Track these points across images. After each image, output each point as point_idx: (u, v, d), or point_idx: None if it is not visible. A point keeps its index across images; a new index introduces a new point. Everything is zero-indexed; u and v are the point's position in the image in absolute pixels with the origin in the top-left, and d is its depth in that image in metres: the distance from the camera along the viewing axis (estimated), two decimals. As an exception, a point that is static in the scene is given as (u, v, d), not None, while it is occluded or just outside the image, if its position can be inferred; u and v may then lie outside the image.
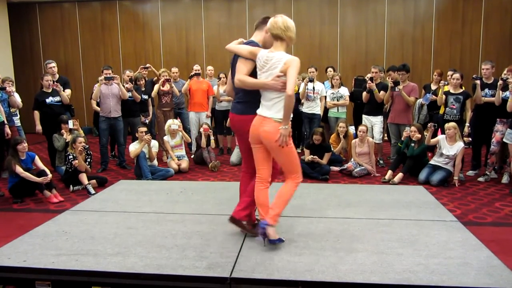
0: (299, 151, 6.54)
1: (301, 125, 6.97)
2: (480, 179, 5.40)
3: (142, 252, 2.75)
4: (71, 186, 5.12)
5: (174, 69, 7.23)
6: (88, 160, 5.34)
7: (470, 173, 5.72)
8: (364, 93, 6.23)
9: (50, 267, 2.57)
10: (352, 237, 2.99)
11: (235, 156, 6.54)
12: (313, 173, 5.53)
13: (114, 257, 2.68)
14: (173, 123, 6.25)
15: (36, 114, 5.97)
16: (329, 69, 7.27)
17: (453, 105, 5.52)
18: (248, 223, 3.03)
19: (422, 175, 5.25)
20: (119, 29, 10.27)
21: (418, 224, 3.26)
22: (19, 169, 4.61)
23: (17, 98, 5.97)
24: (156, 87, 6.68)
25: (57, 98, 5.98)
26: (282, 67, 2.61)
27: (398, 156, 5.69)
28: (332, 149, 6.03)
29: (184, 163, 6.11)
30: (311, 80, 6.49)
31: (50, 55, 9.79)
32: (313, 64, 7.10)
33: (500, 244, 3.27)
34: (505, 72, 5.28)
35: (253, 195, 2.91)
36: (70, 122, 5.78)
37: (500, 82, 5.06)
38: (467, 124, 5.74)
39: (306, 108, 6.72)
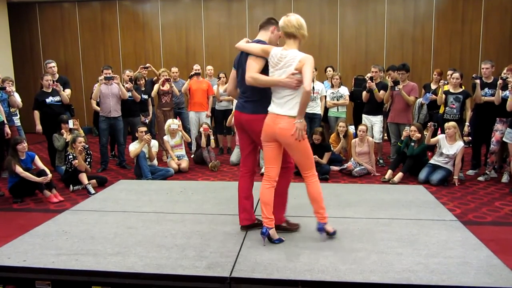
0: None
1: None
2: (480, 178, 5.40)
3: (142, 252, 2.76)
4: (71, 186, 5.13)
5: (174, 69, 7.23)
6: (88, 160, 5.34)
7: (470, 172, 5.72)
8: (364, 93, 6.23)
9: (50, 266, 2.57)
10: (352, 236, 2.99)
11: (235, 155, 6.54)
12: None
13: (114, 256, 2.68)
14: (173, 123, 6.25)
15: (36, 114, 5.98)
16: (329, 68, 7.27)
17: (453, 104, 5.52)
18: (286, 223, 3.07)
19: (422, 175, 5.25)
20: (119, 29, 10.27)
21: (418, 223, 3.26)
22: (19, 169, 4.61)
23: (17, 98, 5.98)
24: (156, 87, 6.68)
25: (57, 98, 5.98)
26: (297, 64, 2.66)
27: (398, 155, 5.69)
28: (332, 148, 6.03)
29: (184, 163, 6.11)
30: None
31: (50, 55, 9.79)
32: (313, 64, 7.09)
33: (499, 244, 3.27)
34: (504, 71, 5.28)
35: (282, 197, 2.97)
36: (70, 122, 5.78)
37: (500, 81, 5.06)
38: (467, 123, 5.74)
39: (307, 108, 6.71)
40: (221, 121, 7.21)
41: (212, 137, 6.50)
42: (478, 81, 5.37)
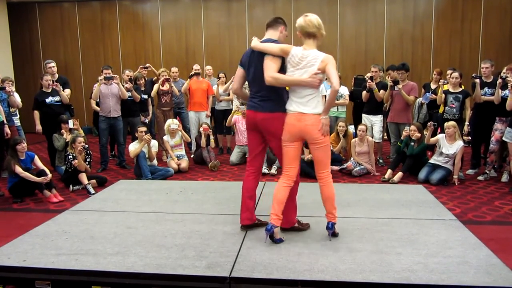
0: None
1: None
2: (480, 178, 5.40)
3: (142, 251, 2.76)
4: (71, 186, 5.13)
5: (174, 69, 7.23)
6: (88, 160, 5.34)
7: (470, 172, 5.72)
8: (364, 92, 6.23)
9: (50, 266, 2.57)
10: (352, 236, 3.00)
11: (234, 155, 6.54)
12: (313, 172, 5.52)
13: (114, 256, 2.68)
14: (173, 123, 6.25)
15: (36, 114, 5.98)
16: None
17: (453, 104, 5.52)
18: (298, 223, 3.10)
19: (422, 174, 5.25)
20: (118, 29, 10.27)
21: (418, 223, 3.26)
22: (18, 169, 4.61)
23: (16, 98, 5.98)
24: (155, 86, 6.68)
25: (57, 98, 5.99)
26: (320, 64, 2.72)
27: (397, 155, 5.69)
28: (331, 148, 6.03)
29: (184, 163, 6.11)
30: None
31: (50, 55, 9.79)
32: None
33: (499, 243, 3.27)
34: (504, 70, 5.28)
35: (291, 202, 2.97)
36: (70, 122, 5.78)
37: (499, 80, 5.06)
38: (466, 123, 5.74)
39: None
40: (221, 121, 7.21)
41: (212, 137, 6.50)
42: (477, 80, 5.37)
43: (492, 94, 5.28)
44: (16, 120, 6.15)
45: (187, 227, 3.22)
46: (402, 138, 5.71)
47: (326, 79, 2.85)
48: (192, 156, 6.80)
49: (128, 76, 6.60)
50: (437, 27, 9.28)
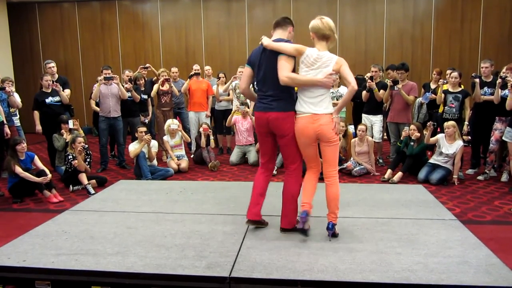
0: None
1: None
2: (480, 177, 5.40)
3: (142, 251, 2.76)
4: (70, 186, 5.13)
5: (174, 69, 7.23)
6: (88, 160, 5.34)
7: (470, 171, 5.72)
8: (364, 92, 6.23)
9: (50, 266, 2.57)
10: (351, 236, 3.00)
11: (234, 156, 6.54)
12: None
13: (114, 256, 2.68)
14: (173, 123, 6.25)
15: (36, 114, 5.98)
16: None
17: (452, 103, 5.52)
18: (298, 223, 3.08)
19: (422, 174, 5.26)
20: (118, 29, 10.27)
21: (417, 223, 3.26)
22: (18, 169, 4.61)
23: (16, 98, 5.98)
24: (155, 87, 6.68)
25: (57, 98, 5.99)
26: (335, 66, 2.82)
27: (397, 155, 5.69)
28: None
29: (184, 163, 6.11)
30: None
31: (50, 55, 9.80)
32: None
33: (499, 242, 3.27)
34: (504, 70, 5.27)
35: (294, 203, 3.02)
36: (70, 122, 5.78)
37: (499, 80, 5.06)
38: (466, 122, 5.74)
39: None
40: (220, 121, 7.21)
41: (211, 137, 6.50)
42: (477, 80, 5.37)
43: (492, 94, 5.28)
44: (16, 120, 6.15)
45: (187, 227, 3.22)
46: (401, 138, 5.71)
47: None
48: (192, 156, 6.80)
49: (128, 76, 6.60)
50: (437, 27, 9.28)
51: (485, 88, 5.42)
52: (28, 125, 6.79)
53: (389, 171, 5.43)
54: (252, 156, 6.43)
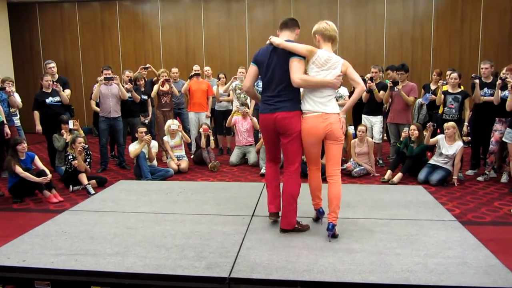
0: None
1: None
2: (479, 178, 5.40)
3: (141, 252, 2.76)
4: (70, 186, 5.13)
5: (174, 70, 7.24)
6: (88, 160, 5.35)
7: (469, 172, 5.72)
8: (364, 93, 6.23)
9: (50, 267, 2.57)
10: (351, 237, 2.99)
11: (234, 156, 6.54)
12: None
13: (114, 257, 2.68)
14: (173, 124, 6.25)
15: (36, 114, 5.98)
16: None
17: (452, 104, 5.52)
18: (298, 224, 3.12)
19: (422, 175, 5.26)
20: (118, 29, 10.28)
21: (417, 223, 3.26)
22: (18, 169, 4.61)
23: (17, 98, 5.98)
24: (155, 87, 6.69)
25: (57, 98, 5.99)
26: (342, 68, 2.94)
27: (397, 156, 5.69)
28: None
29: (184, 163, 6.11)
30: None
31: (50, 55, 9.80)
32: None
33: (499, 243, 3.28)
34: (504, 71, 5.28)
35: (293, 203, 3.05)
36: (71, 122, 5.79)
37: (499, 81, 5.06)
38: (465, 123, 5.74)
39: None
40: (220, 121, 7.21)
41: (211, 138, 6.50)
42: (477, 81, 5.37)
43: (492, 95, 5.29)
44: (16, 120, 6.15)
45: (186, 227, 3.22)
46: (401, 139, 5.71)
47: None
48: (192, 156, 6.80)
49: (128, 76, 6.61)
50: (437, 28, 9.29)
51: (485, 89, 5.42)
52: (28, 125, 6.80)
53: (389, 172, 5.44)
54: (252, 157, 6.43)
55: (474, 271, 2.44)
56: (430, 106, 6.29)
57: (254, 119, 6.35)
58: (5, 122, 5.52)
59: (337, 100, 6.64)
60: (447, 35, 9.28)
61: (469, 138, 5.81)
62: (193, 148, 7.00)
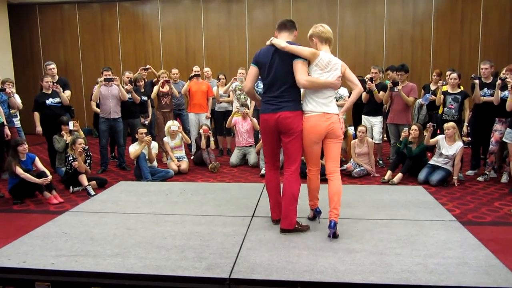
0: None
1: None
2: (480, 178, 5.40)
3: (142, 253, 2.76)
4: (71, 187, 5.13)
5: (174, 70, 7.24)
6: (88, 161, 5.35)
7: (470, 172, 5.72)
8: (364, 94, 6.23)
9: (50, 268, 2.57)
10: (351, 237, 2.99)
11: (234, 157, 6.54)
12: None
13: (114, 258, 2.69)
14: (173, 124, 6.26)
15: (36, 115, 5.99)
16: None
17: (452, 105, 5.53)
18: (298, 224, 3.13)
19: (422, 175, 5.26)
20: (119, 30, 10.29)
21: (417, 224, 3.26)
22: (19, 170, 4.62)
23: (17, 99, 5.99)
24: (155, 88, 6.69)
25: (57, 100, 6.00)
26: (341, 69, 3.05)
27: (397, 156, 5.69)
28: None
29: (184, 164, 6.12)
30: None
31: (50, 56, 9.82)
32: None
33: (499, 243, 3.28)
34: (503, 71, 5.28)
35: (294, 203, 3.07)
36: (71, 123, 5.79)
37: (499, 81, 5.06)
38: (465, 123, 5.74)
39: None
40: (221, 122, 7.21)
41: (212, 139, 6.50)
42: (477, 81, 5.38)
43: (492, 95, 5.29)
44: (17, 122, 6.16)
45: (186, 228, 3.22)
46: (401, 139, 5.71)
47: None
48: (192, 157, 6.81)
49: (128, 77, 6.62)
50: (437, 28, 9.30)
51: (485, 89, 5.42)
52: (28, 126, 6.80)
53: (389, 172, 5.44)
54: (252, 158, 6.43)
55: (474, 271, 2.44)
56: (430, 107, 6.29)
57: (254, 120, 6.36)
58: (5, 123, 5.52)
59: (337, 101, 6.71)
60: (447, 35, 9.29)
61: (469, 138, 5.81)
62: (193, 149, 7.01)
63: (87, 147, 5.34)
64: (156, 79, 7.02)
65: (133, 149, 5.69)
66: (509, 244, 3.37)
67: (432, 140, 5.38)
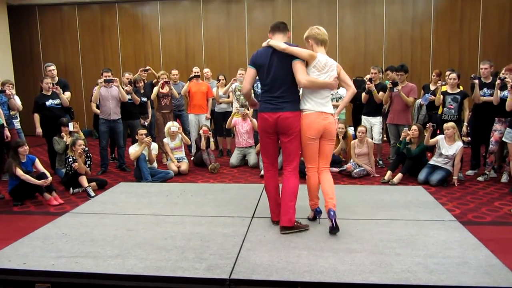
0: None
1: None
2: (480, 178, 5.40)
3: (142, 254, 2.76)
4: (71, 188, 5.13)
5: (174, 71, 7.25)
6: (88, 162, 5.35)
7: (470, 172, 5.72)
8: (363, 94, 6.24)
9: (50, 269, 2.58)
10: (351, 237, 3.00)
11: (234, 158, 6.54)
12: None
13: (114, 259, 2.69)
14: (173, 125, 6.25)
15: (36, 117, 5.99)
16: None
17: (451, 105, 5.53)
18: (297, 223, 3.16)
19: (422, 175, 5.26)
20: (118, 32, 10.30)
21: (417, 224, 3.27)
22: (19, 172, 4.62)
23: (17, 101, 5.99)
24: (155, 89, 6.70)
25: (57, 101, 6.00)
26: (337, 69, 3.15)
27: (397, 156, 5.69)
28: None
29: (184, 165, 6.12)
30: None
31: (50, 58, 9.81)
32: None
33: (499, 243, 3.27)
34: (503, 71, 5.28)
35: (294, 199, 3.11)
36: (71, 125, 5.79)
37: (498, 81, 5.06)
38: (465, 123, 5.75)
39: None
40: (220, 123, 7.21)
41: (211, 139, 6.50)
42: (476, 81, 5.38)
43: (491, 95, 5.29)
44: (17, 123, 6.16)
45: (187, 229, 3.23)
46: (400, 139, 5.71)
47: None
48: (192, 158, 6.80)
49: (128, 78, 6.62)
50: (436, 28, 9.30)
51: (485, 89, 5.42)
52: (28, 128, 6.81)
53: (389, 172, 5.44)
54: (252, 158, 6.43)
55: (474, 271, 2.45)
56: (429, 107, 6.29)
57: (254, 120, 6.36)
58: (5, 125, 5.52)
59: (337, 101, 6.74)
60: (446, 35, 9.29)
61: (469, 138, 5.81)
62: (193, 150, 7.01)
63: (87, 148, 5.34)
64: (156, 80, 7.02)
65: (133, 150, 5.69)
66: (509, 244, 3.37)
67: (432, 140, 5.38)
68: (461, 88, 5.83)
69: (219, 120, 7.25)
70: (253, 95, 6.84)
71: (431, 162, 5.38)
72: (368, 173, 5.72)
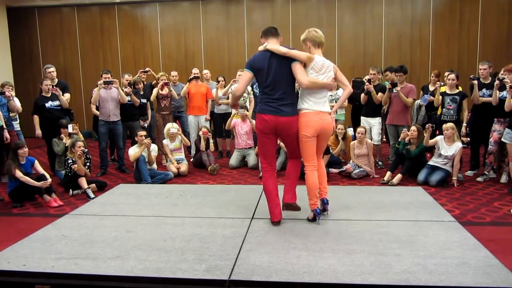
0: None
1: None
2: (479, 179, 5.41)
3: (141, 255, 2.76)
4: (70, 190, 5.13)
5: (174, 73, 7.26)
6: (88, 164, 5.35)
7: (469, 173, 5.73)
8: (362, 95, 6.25)
9: (50, 271, 2.58)
10: (351, 238, 3.00)
11: (234, 159, 6.55)
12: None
13: (114, 260, 2.69)
14: (173, 127, 6.26)
15: (36, 118, 5.99)
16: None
17: (450, 105, 5.54)
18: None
19: (421, 176, 5.26)
20: (118, 33, 10.30)
21: (417, 224, 3.27)
22: (18, 174, 4.62)
23: (16, 102, 5.99)
24: (155, 90, 6.70)
25: (57, 103, 6.00)
26: (334, 70, 3.25)
27: (397, 157, 5.69)
28: (330, 151, 6.04)
29: (183, 167, 6.12)
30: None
31: (49, 60, 9.82)
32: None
33: (498, 244, 3.28)
34: (502, 72, 5.29)
35: (296, 180, 3.36)
36: (70, 127, 5.80)
37: (497, 82, 5.07)
38: (464, 124, 5.76)
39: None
40: (220, 124, 7.22)
41: (211, 141, 6.51)
42: (475, 82, 5.39)
43: (490, 96, 5.30)
44: (16, 125, 6.17)
45: (186, 230, 3.22)
46: (399, 140, 5.71)
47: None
48: (191, 159, 6.81)
49: (127, 80, 6.62)
50: (435, 29, 9.31)
51: (484, 90, 5.43)
52: (28, 129, 6.81)
53: (388, 173, 5.44)
54: (251, 159, 6.43)
55: (474, 271, 2.45)
56: (428, 107, 6.31)
57: (254, 121, 6.35)
58: (4, 126, 5.52)
59: (336, 102, 6.74)
60: (445, 36, 9.30)
61: (468, 139, 5.82)
62: (193, 151, 7.01)
63: (86, 150, 5.34)
64: (155, 81, 7.02)
65: (133, 151, 5.69)
66: (509, 244, 3.38)
67: (431, 141, 5.39)
68: (460, 88, 5.84)
69: (219, 122, 7.25)
70: (252, 96, 6.89)
71: (431, 162, 5.39)
72: (368, 174, 5.73)
